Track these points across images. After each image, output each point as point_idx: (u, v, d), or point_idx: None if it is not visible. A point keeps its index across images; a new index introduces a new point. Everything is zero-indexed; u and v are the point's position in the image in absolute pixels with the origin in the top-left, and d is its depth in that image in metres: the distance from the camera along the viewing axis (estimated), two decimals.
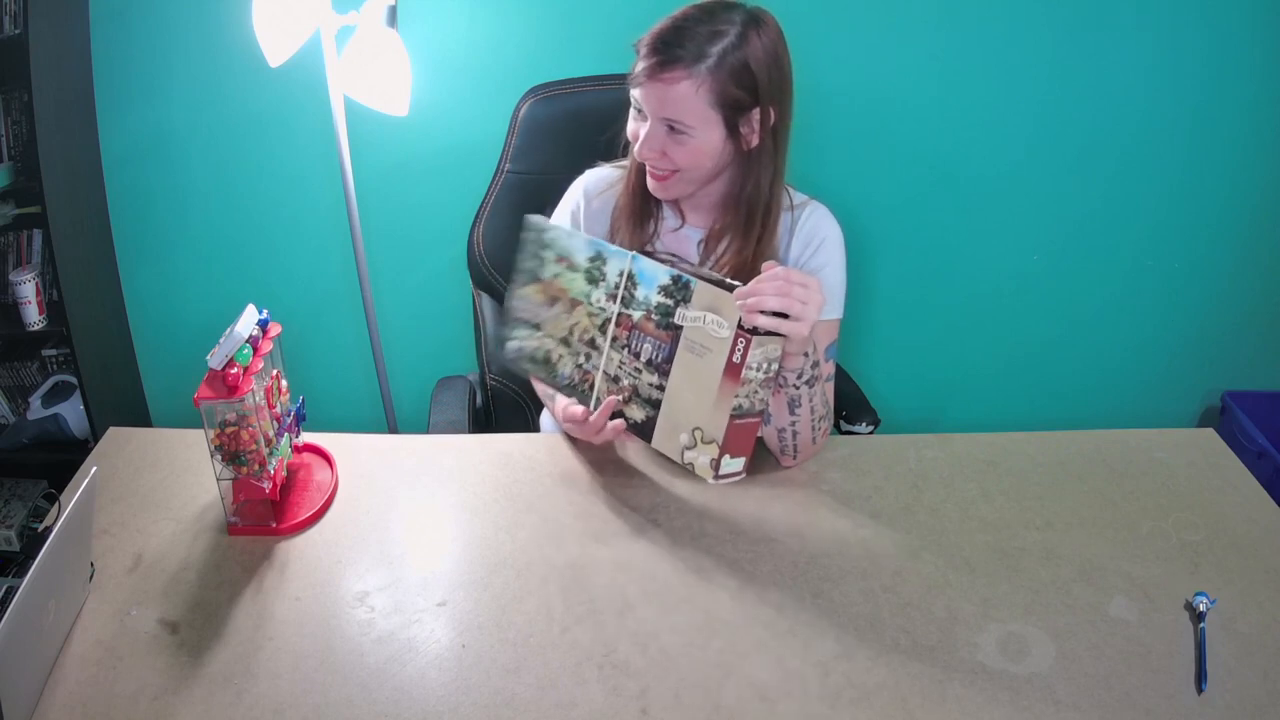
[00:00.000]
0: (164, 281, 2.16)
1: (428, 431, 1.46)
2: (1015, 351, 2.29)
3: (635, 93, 1.20)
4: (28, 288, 1.95)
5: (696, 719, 0.94)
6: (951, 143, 2.03)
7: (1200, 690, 0.98)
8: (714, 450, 1.09)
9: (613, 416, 1.18)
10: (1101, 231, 2.14)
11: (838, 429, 1.52)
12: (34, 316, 1.98)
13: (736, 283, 1.08)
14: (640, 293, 1.13)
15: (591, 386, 1.20)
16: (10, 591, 0.95)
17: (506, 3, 1.88)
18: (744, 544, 1.17)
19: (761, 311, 1.04)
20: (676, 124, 1.18)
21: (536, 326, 1.21)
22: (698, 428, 1.10)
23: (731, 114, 1.19)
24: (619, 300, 1.15)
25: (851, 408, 1.53)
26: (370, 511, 1.21)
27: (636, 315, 1.14)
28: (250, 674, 0.98)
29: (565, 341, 1.20)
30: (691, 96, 1.16)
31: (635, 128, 1.23)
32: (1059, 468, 1.31)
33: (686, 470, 1.13)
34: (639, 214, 1.32)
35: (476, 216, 1.58)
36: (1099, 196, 2.10)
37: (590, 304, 1.17)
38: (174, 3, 1.87)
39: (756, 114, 1.20)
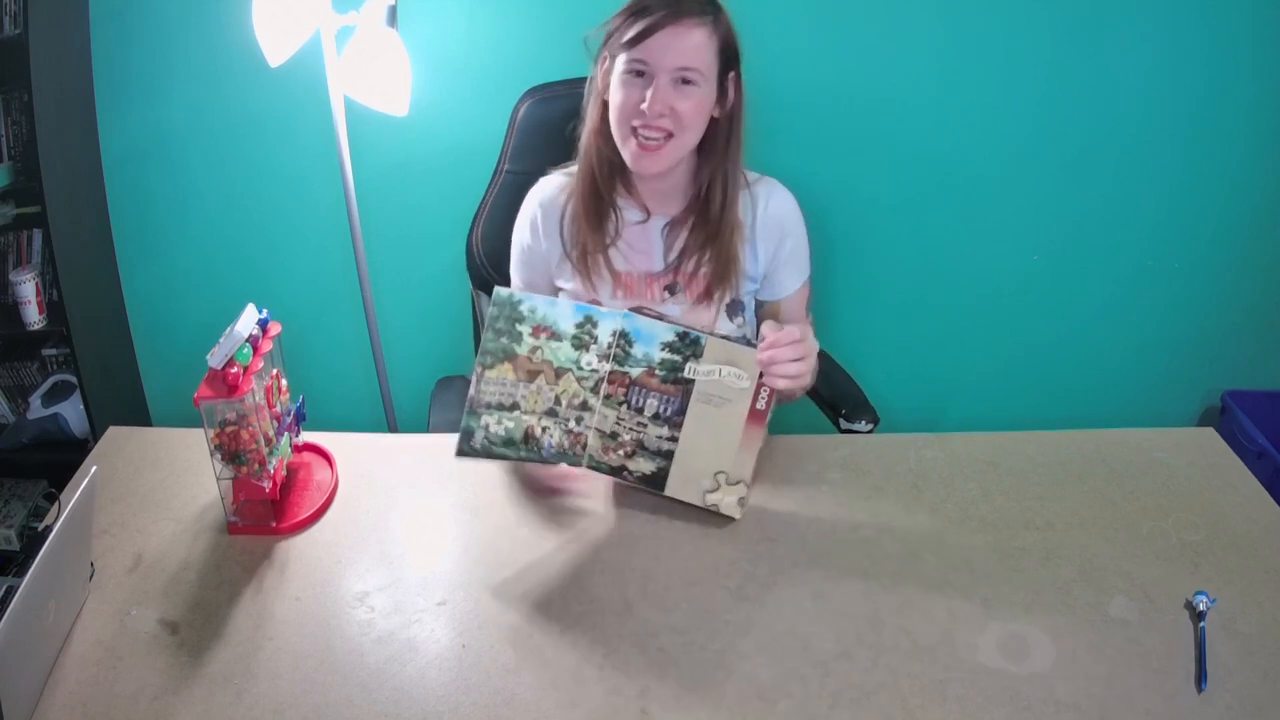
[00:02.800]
0: (164, 281, 2.16)
1: (428, 431, 1.46)
2: (1015, 351, 2.29)
3: (637, 51, 1.20)
4: (28, 287, 1.95)
5: (696, 719, 0.95)
6: (951, 143, 2.03)
7: (1200, 690, 0.98)
8: (742, 489, 1.17)
9: (615, 471, 1.19)
10: (1101, 231, 2.14)
11: (837, 428, 1.52)
12: (34, 316, 1.98)
13: (749, 339, 1.15)
14: (638, 350, 1.16)
15: (584, 447, 1.19)
16: (10, 591, 0.96)
17: (506, 3, 1.88)
18: (744, 544, 1.17)
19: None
20: (690, 73, 1.20)
21: (511, 407, 1.17)
22: (721, 471, 1.16)
23: (724, 69, 1.23)
24: (611, 359, 1.16)
25: (851, 406, 1.53)
26: (370, 511, 1.21)
27: (635, 372, 1.16)
28: (250, 674, 0.98)
29: (551, 413, 1.18)
30: (705, 44, 1.20)
31: (631, 93, 1.22)
32: (1059, 468, 1.31)
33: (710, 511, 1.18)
34: (595, 213, 1.33)
35: (475, 217, 1.58)
36: (1099, 196, 2.09)
37: (580, 369, 1.17)
38: (174, 3, 1.86)
39: (732, 75, 1.25)
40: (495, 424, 1.17)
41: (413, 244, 2.11)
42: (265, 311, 1.18)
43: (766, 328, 1.14)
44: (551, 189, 1.38)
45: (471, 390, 1.16)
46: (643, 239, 1.36)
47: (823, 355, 1.67)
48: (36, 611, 0.91)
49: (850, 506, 1.23)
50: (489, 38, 1.91)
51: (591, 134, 1.30)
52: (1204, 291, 2.21)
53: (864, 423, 1.50)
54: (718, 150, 1.29)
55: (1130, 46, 1.93)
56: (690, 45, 1.19)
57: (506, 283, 1.48)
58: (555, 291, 1.41)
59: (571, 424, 1.18)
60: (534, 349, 1.16)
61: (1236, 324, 2.26)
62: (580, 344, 1.16)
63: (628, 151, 1.25)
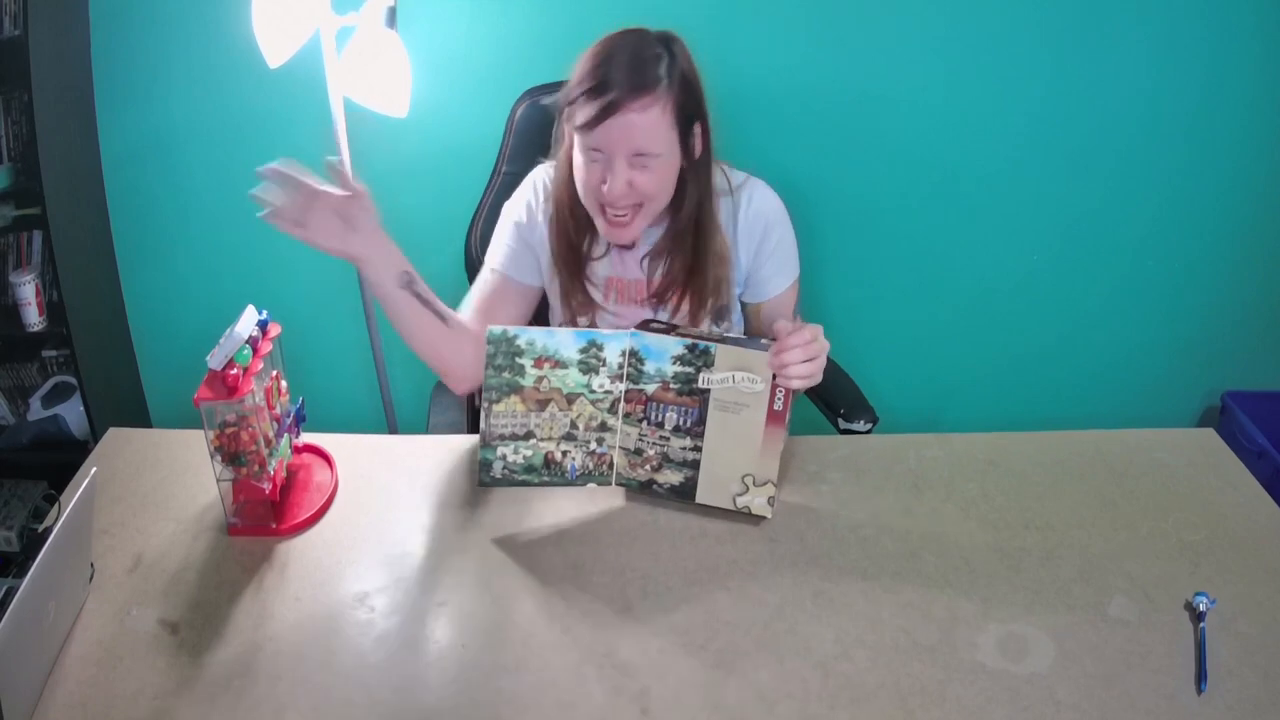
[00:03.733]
0: (164, 281, 2.16)
1: (427, 432, 1.46)
2: (1015, 351, 2.29)
3: (591, 137, 1.17)
4: (27, 289, 1.95)
5: (696, 719, 0.95)
6: (951, 143, 2.03)
7: (1200, 690, 0.98)
8: (770, 489, 1.18)
9: (645, 486, 1.21)
10: (1101, 231, 2.14)
11: (836, 428, 1.52)
12: (34, 318, 1.98)
13: (762, 340, 1.14)
14: (650, 366, 1.16)
15: (610, 466, 1.21)
16: (10, 592, 0.95)
17: (506, 3, 1.88)
18: (744, 544, 1.17)
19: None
20: (647, 153, 1.17)
21: (526, 436, 1.18)
22: (748, 474, 1.17)
23: (685, 128, 1.20)
24: (624, 378, 1.17)
25: (849, 406, 1.53)
26: (370, 512, 1.21)
27: (650, 388, 1.17)
28: (250, 674, 0.98)
29: (569, 437, 1.19)
30: (659, 119, 1.16)
31: (592, 174, 1.20)
32: (1059, 468, 1.31)
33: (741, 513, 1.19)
34: (572, 254, 1.32)
35: (474, 217, 1.58)
36: (1098, 196, 2.09)
37: (592, 392, 1.17)
38: (174, 3, 1.86)
39: (698, 126, 1.22)
40: (512, 453, 1.18)
41: (412, 244, 2.09)
42: (265, 313, 1.18)
43: (780, 327, 1.12)
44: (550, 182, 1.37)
45: (482, 425, 1.16)
46: (621, 266, 1.36)
47: None
48: (36, 612, 0.91)
49: (850, 506, 1.23)
50: (488, 39, 1.91)
51: (560, 185, 1.29)
52: (1204, 291, 2.21)
53: (863, 423, 1.50)
54: (690, 193, 1.26)
55: (1130, 46, 1.93)
56: (643, 127, 1.15)
57: None
58: (540, 271, 1.39)
59: (593, 445, 1.20)
60: (540, 379, 1.15)
61: (1236, 324, 2.26)
62: (588, 368, 1.16)
63: (599, 223, 1.25)
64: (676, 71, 1.17)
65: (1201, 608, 1.06)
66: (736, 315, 1.41)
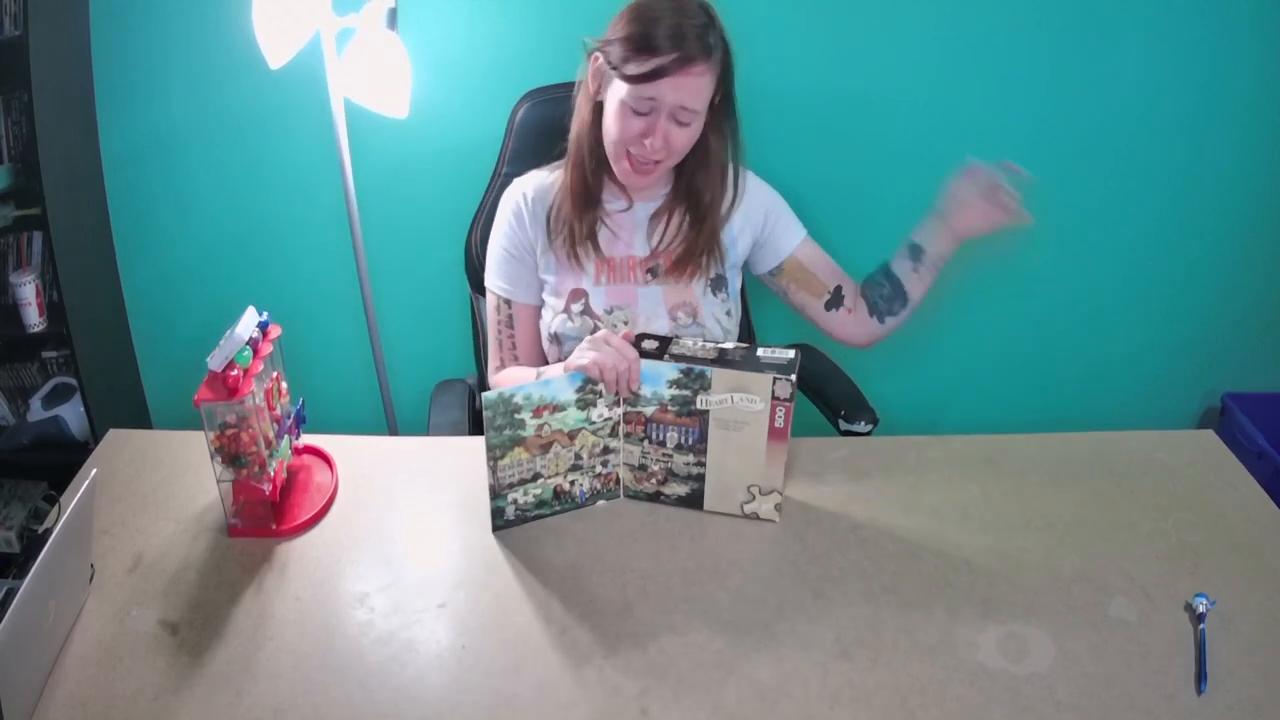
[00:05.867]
0: (164, 282, 2.15)
1: (428, 433, 1.46)
2: (1015, 351, 2.29)
3: (643, 89, 1.21)
4: (28, 289, 1.95)
5: (696, 719, 0.95)
6: (950, 142, 2.02)
7: (1200, 690, 0.98)
8: (776, 497, 1.20)
9: (653, 497, 1.23)
10: (1101, 232, 2.14)
11: (837, 429, 1.52)
12: (34, 318, 1.98)
13: (758, 354, 1.15)
14: (647, 390, 1.17)
15: (617, 482, 1.23)
16: (10, 592, 0.95)
17: (506, 5, 1.88)
18: (745, 544, 1.17)
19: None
20: (688, 113, 1.23)
21: (534, 478, 1.18)
22: (753, 484, 1.18)
23: (713, 97, 1.27)
24: (622, 403, 1.18)
25: (850, 406, 1.53)
26: (370, 512, 1.21)
27: (649, 411, 1.18)
28: (250, 674, 0.98)
29: (576, 467, 1.20)
30: (706, 86, 1.23)
31: (632, 124, 1.24)
32: (1059, 468, 1.31)
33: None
34: (583, 201, 1.36)
35: (474, 220, 1.58)
36: (1098, 197, 2.09)
37: (591, 423, 1.18)
38: (174, 3, 1.86)
39: (721, 95, 1.28)
40: (523, 496, 1.19)
41: (412, 245, 2.11)
42: (265, 314, 1.18)
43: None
44: (535, 186, 1.41)
45: (490, 480, 1.16)
46: (625, 226, 1.40)
47: (822, 356, 1.68)
48: (37, 612, 0.91)
49: (850, 506, 1.24)
50: (488, 40, 1.91)
51: (581, 129, 1.33)
52: (1204, 292, 2.21)
53: (863, 423, 1.50)
54: (699, 152, 1.33)
55: (1130, 46, 1.93)
56: (693, 89, 1.22)
57: None
58: (541, 286, 1.42)
59: (598, 468, 1.21)
60: (540, 426, 1.15)
61: (1236, 325, 2.26)
62: (586, 404, 1.16)
63: (619, 168, 1.30)
64: (724, 43, 1.24)
65: (1201, 609, 1.06)
66: (732, 289, 1.44)
